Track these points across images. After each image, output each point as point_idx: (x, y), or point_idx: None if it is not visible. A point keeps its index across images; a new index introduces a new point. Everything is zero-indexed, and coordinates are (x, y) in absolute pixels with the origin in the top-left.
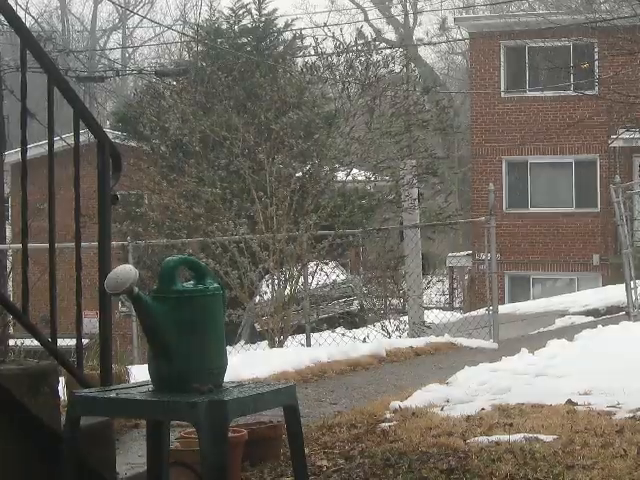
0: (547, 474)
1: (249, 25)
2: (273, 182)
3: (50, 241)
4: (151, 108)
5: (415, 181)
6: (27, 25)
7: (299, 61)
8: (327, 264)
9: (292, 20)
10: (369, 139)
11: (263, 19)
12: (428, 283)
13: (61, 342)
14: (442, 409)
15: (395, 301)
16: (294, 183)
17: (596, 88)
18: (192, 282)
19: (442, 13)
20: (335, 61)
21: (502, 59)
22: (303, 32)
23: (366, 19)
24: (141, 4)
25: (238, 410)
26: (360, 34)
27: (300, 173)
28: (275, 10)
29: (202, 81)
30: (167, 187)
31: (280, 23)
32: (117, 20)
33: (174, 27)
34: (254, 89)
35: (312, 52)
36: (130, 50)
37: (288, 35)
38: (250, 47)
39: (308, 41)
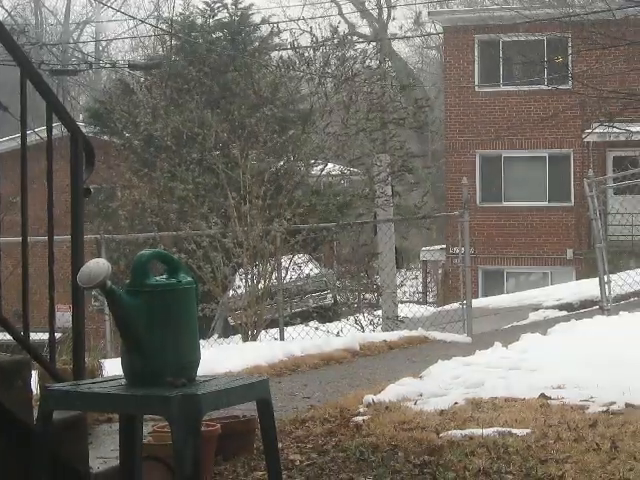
0: (520, 468)
1: (224, 19)
2: (247, 178)
3: (23, 234)
4: (122, 104)
5: (389, 178)
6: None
7: (274, 55)
8: (302, 265)
9: (269, 16)
10: (344, 134)
11: (239, 12)
12: (403, 280)
13: (34, 336)
14: (415, 403)
15: (369, 295)
16: (267, 178)
17: (570, 82)
18: (165, 276)
19: (417, 8)
20: (311, 55)
21: (476, 53)
22: (277, 26)
23: (340, 13)
24: None
25: (211, 404)
26: (335, 30)
27: (274, 168)
28: (251, 5)
29: (174, 76)
30: (138, 183)
31: (256, 19)
32: (90, 13)
33: (147, 20)
34: (228, 84)
35: (288, 46)
36: (104, 43)
37: (265, 30)
38: (225, 41)
39: (284, 36)
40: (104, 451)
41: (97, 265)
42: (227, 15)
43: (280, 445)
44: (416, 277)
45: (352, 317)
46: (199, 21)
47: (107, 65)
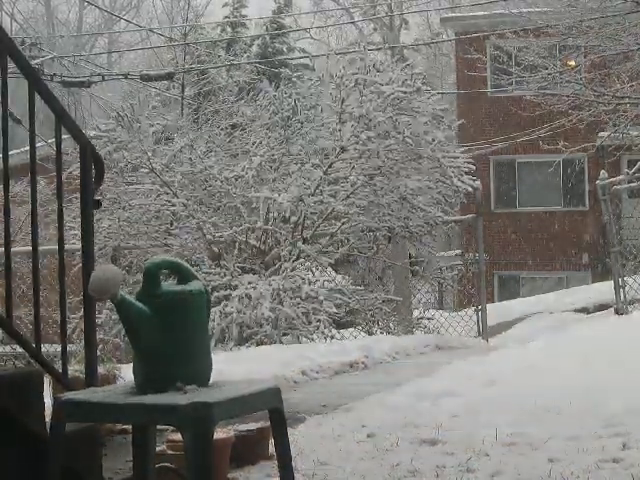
0: (535, 467)
1: (247, 34)
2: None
3: (33, 246)
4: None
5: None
6: (12, 31)
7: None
8: (324, 269)
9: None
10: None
11: (275, 25)
12: (418, 287)
13: (50, 348)
14: (430, 404)
15: (384, 303)
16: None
17: (583, 87)
18: (175, 283)
19: (432, 25)
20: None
21: (488, 58)
22: (290, 35)
23: (352, 22)
24: (127, 7)
25: (224, 413)
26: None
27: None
28: (288, 27)
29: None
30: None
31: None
32: (102, 25)
33: (160, 31)
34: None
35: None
36: (116, 55)
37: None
38: (257, 52)
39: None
40: (118, 462)
41: (107, 273)
42: (248, 28)
43: (293, 451)
44: (431, 283)
45: (368, 324)
46: (214, 35)
47: (119, 76)
